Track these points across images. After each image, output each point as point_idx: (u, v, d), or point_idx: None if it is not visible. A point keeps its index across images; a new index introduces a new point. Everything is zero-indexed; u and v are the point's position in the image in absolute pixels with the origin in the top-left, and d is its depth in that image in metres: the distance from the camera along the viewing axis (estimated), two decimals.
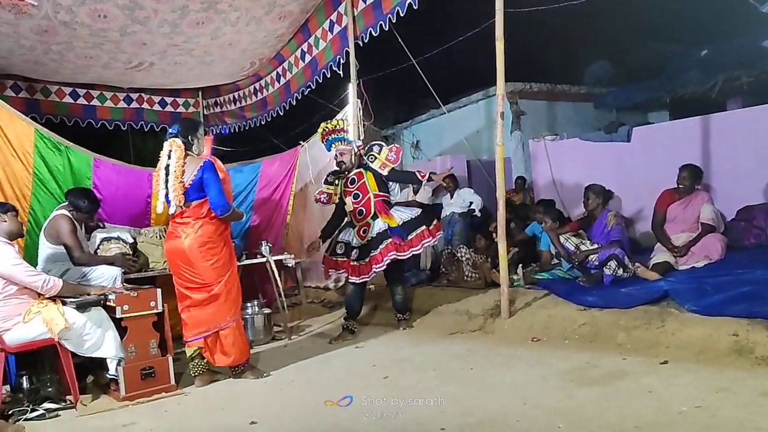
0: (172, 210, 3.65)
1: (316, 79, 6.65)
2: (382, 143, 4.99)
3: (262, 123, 8.25)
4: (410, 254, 4.61)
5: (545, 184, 6.83)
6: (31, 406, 3.36)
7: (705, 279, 3.89)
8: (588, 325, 3.93)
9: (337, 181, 4.90)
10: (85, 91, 7.71)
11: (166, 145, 3.68)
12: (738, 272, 3.87)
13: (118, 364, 3.54)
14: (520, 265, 5.16)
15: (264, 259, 5.30)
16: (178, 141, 3.65)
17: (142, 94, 8.21)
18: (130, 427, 3.10)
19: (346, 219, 4.92)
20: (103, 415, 3.35)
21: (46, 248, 4.00)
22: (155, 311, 3.68)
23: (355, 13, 5.81)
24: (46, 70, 6.71)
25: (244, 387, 3.69)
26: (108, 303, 3.61)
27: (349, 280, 4.74)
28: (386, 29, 5.52)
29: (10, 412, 3.31)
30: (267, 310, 5.15)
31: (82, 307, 3.49)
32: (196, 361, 3.77)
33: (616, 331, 3.72)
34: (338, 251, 4.79)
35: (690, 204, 4.65)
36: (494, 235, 5.23)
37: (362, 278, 4.61)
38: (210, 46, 6.33)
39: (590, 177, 5.30)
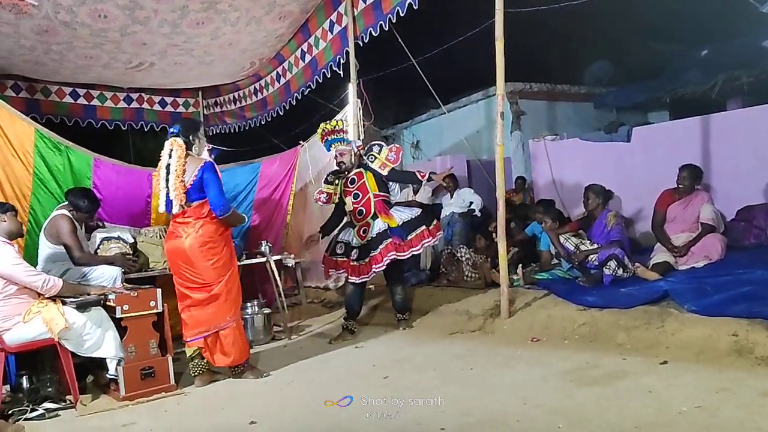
0: (175, 210, 3.64)
1: (316, 79, 6.65)
2: (382, 143, 4.99)
3: (262, 123, 8.25)
4: (410, 254, 4.61)
5: (545, 184, 6.83)
6: (31, 406, 3.36)
7: (705, 279, 3.89)
8: (588, 325, 3.93)
9: (337, 181, 4.91)
10: (86, 91, 7.71)
11: (167, 144, 3.68)
12: (738, 272, 3.87)
13: (118, 364, 3.54)
14: (520, 265, 5.16)
15: (264, 259, 5.30)
16: (180, 141, 3.65)
17: (142, 94, 8.21)
18: (129, 427, 3.10)
19: (345, 219, 4.92)
20: (102, 414, 3.35)
21: (46, 248, 4.00)
22: (155, 311, 3.68)
23: (355, 13, 5.81)
24: (46, 70, 6.71)
25: (243, 387, 3.69)
26: (108, 303, 3.61)
27: (349, 280, 4.74)
28: (386, 29, 5.52)
29: (10, 412, 3.31)
30: (267, 310, 5.15)
31: (82, 307, 3.49)
32: (196, 361, 3.77)
33: (616, 331, 3.73)
34: (338, 251, 4.79)
35: (690, 204, 4.65)
36: (494, 235, 5.23)
37: (362, 278, 4.61)
38: (210, 46, 6.34)
39: (590, 177, 5.30)
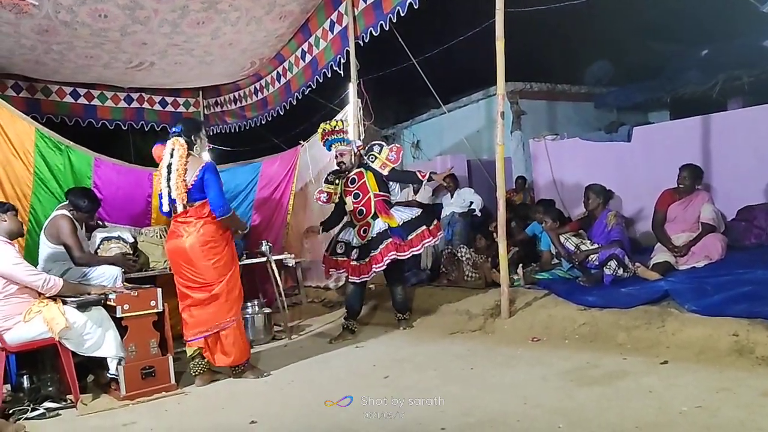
0: (178, 209, 3.64)
1: (316, 78, 6.65)
2: (383, 143, 5.00)
3: (263, 123, 8.25)
4: (410, 254, 4.61)
5: (545, 183, 6.83)
6: (31, 406, 3.36)
7: (705, 279, 3.89)
8: (588, 324, 3.93)
9: (337, 181, 4.91)
10: (86, 90, 7.71)
11: (168, 143, 3.68)
12: (738, 272, 3.87)
13: (119, 364, 3.54)
14: (521, 265, 5.16)
15: (264, 259, 5.30)
16: (181, 140, 3.65)
17: (143, 94, 8.21)
18: (130, 427, 3.10)
19: (345, 218, 4.92)
20: (103, 414, 3.35)
21: (46, 248, 4.01)
22: (155, 311, 3.68)
23: (356, 13, 5.81)
24: (46, 69, 6.71)
25: (244, 386, 3.69)
26: (108, 302, 3.61)
27: (349, 280, 4.74)
28: (387, 29, 5.52)
29: (10, 411, 3.31)
30: (267, 310, 5.15)
31: (82, 307, 3.49)
32: (197, 360, 3.77)
33: (617, 331, 3.73)
34: (338, 251, 4.79)
35: (690, 204, 4.65)
36: (494, 234, 5.23)
37: (362, 278, 4.61)
38: (210, 46, 6.34)
39: (590, 177, 5.30)
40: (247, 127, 8.59)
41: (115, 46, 6.06)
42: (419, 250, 4.67)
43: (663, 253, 4.54)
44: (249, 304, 4.99)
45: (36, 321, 3.35)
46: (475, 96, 9.65)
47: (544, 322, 4.17)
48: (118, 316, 3.55)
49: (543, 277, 5.01)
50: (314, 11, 6.25)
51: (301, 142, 6.11)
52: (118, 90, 7.94)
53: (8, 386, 3.58)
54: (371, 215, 4.65)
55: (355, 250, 4.63)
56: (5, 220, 3.45)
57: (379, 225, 4.58)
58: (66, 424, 3.25)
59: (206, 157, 3.99)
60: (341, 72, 6.23)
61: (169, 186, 3.61)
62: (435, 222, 4.76)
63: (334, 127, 4.82)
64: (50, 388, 3.56)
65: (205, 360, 3.78)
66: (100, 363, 3.66)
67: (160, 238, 4.71)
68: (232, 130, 8.87)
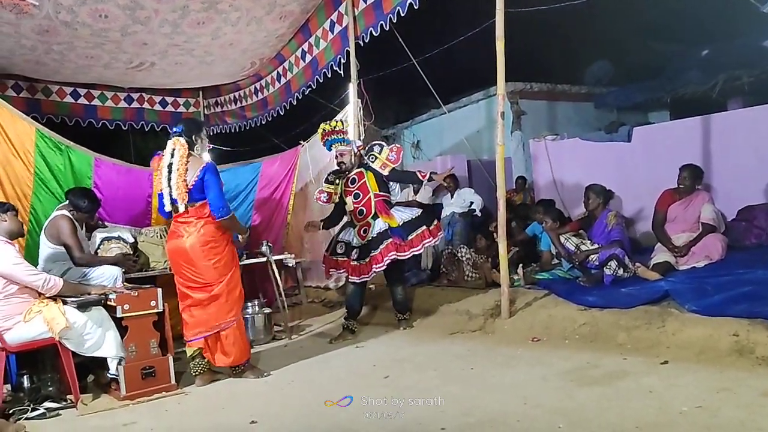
0: (180, 209, 3.64)
1: (316, 78, 6.65)
2: (383, 143, 5.00)
3: (263, 123, 8.25)
4: (410, 254, 4.61)
5: (546, 184, 6.83)
6: (31, 405, 3.36)
7: (705, 279, 3.89)
8: (588, 325, 3.93)
9: (337, 181, 4.91)
10: (86, 90, 7.71)
11: (169, 143, 3.67)
12: (738, 272, 3.86)
13: (119, 364, 3.54)
14: (521, 265, 5.16)
15: (264, 259, 5.30)
16: (182, 140, 3.64)
17: (143, 94, 8.21)
18: (130, 427, 3.10)
19: (346, 218, 4.92)
20: (103, 414, 3.35)
21: (46, 248, 4.01)
22: (156, 311, 3.68)
23: (356, 13, 5.81)
24: (47, 69, 6.71)
25: (244, 386, 3.69)
26: (108, 302, 3.61)
27: (350, 280, 4.74)
28: (387, 29, 5.52)
29: (10, 411, 3.31)
30: (267, 310, 5.15)
31: (82, 307, 3.49)
32: (197, 360, 3.77)
33: (617, 331, 3.72)
34: (338, 251, 4.79)
35: (690, 204, 4.65)
36: (495, 235, 5.23)
37: (362, 278, 4.61)
38: (211, 46, 6.34)
39: (591, 177, 5.30)
40: (248, 127, 8.59)
41: (115, 46, 6.06)
42: (419, 250, 4.67)
43: (663, 253, 4.54)
44: (249, 304, 4.99)
45: (36, 321, 3.35)
46: (476, 96, 9.65)
47: (544, 322, 4.17)
48: (118, 316, 3.55)
49: (543, 277, 5.00)
50: (314, 11, 6.25)
51: (302, 142, 6.12)
52: (118, 90, 7.95)
53: (8, 386, 3.58)
54: (371, 215, 4.65)
55: (355, 250, 4.63)
56: (5, 220, 3.45)
57: (379, 225, 4.58)
58: (66, 424, 3.25)
59: (206, 157, 3.98)
60: (341, 72, 6.23)
61: (169, 186, 3.61)
62: (435, 222, 4.76)
63: (334, 127, 4.82)
64: (50, 388, 3.56)
65: (206, 360, 3.78)
66: (101, 363, 3.67)
67: (161, 238, 4.71)
68: (233, 130, 8.87)
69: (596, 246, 4.55)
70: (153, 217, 5.18)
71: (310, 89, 6.93)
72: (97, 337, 3.50)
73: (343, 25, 6.00)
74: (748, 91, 7.73)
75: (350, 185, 4.76)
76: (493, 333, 4.34)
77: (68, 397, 3.52)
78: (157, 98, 8.38)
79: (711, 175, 5.27)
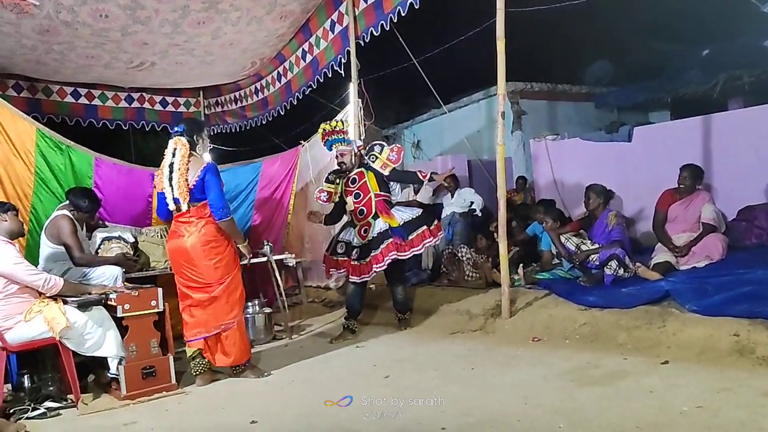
0: (183, 208, 3.64)
1: (317, 78, 6.66)
2: (384, 143, 5.00)
3: (263, 122, 8.25)
4: (411, 254, 4.61)
5: (546, 183, 6.83)
6: (32, 405, 3.36)
7: (706, 279, 3.88)
8: (589, 325, 3.93)
9: (338, 180, 4.90)
10: (87, 90, 7.71)
11: (171, 143, 3.67)
12: (739, 272, 3.86)
13: (119, 363, 3.54)
14: (521, 265, 5.15)
15: (265, 259, 5.30)
16: (184, 140, 3.64)
17: (144, 94, 8.21)
18: (131, 426, 3.10)
19: (346, 218, 4.92)
20: (104, 414, 3.35)
21: (47, 248, 4.01)
22: (156, 310, 3.68)
23: (356, 13, 5.80)
24: (47, 69, 6.71)
25: (244, 386, 3.69)
26: (109, 302, 3.61)
27: (350, 280, 4.74)
28: (387, 29, 5.52)
29: (11, 411, 3.31)
30: (268, 310, 5.15)
31: (83, 307, 3.49)
32: (197, 360, 3.77)
33: (617, 331, 3.72)
34: (339, 251, 4.79)
35: (691, 204, 4.65)
36: (495, 234, 5.23)
37: (363, 278, 4.61)
38: (211, 46, 6.34)
39: (591, 177, 5.30)
40: (248, 127, 8.59)
41: (115, 46, 6.06)
42: (420, 250, 4.66)
43: (664, 253, 4.54)
44: (249, 303, 4.99)
45: (37, 321, 3.35)
46: (476, 96, 9.65)
47: (544, 322, 4.17)
48: (118, 315, 3.55)
49: (543, 277, 5.00)
50: (315, 11, 6.25)
51: (302, 142, 6.12)
52: (118, 90, 7.95)
53: (9, 386, 3.58)
54: (372, 215, 4.65)
55: (355, 249, 4.63)
56: (6, 220, 3.45)
57: (379, 225, 4.58)
58: (67, 424, 3.25)
59: (207, 157, 3.98)
60: (342, 72, 6.23)
61: (171, 186, 3.61)
62: (435, 222, 4.76)
63: (335, 127, 4.82)
64: (51, 388, 3.56)
65: (206, 360, 3.78)
66: (101, 363, 3.67)
67: (161, 237, 4.71)
68: (233, 130, 8.88)
69: (597, 246, 4.55)
70: (153, 217, 5.18)
71: (310, 89, 6.94)
72: (97, 336, 3.50)
73: (344, 25, 6.00)
74: (749, 91, 7.74)
75: (351, 185, 4.75)
76: (494, 333, 4.34)
77: (69, 396, 3.52)
78: (158, 98, 8.38)
79: (711, 175, 5.27)
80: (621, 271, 4.37)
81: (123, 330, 3.60)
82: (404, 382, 3.42)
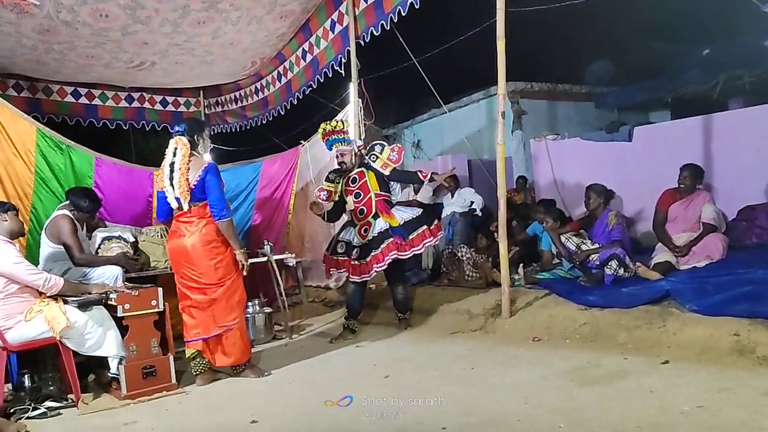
0: (185, 207, 3.63)
1: (317, 78, 6.65)
2: (384, 143, 5.00)
3: (264, 122, 8.25)
4: (411, 254, 4.60)
5: (546, 183, 6.83)
6: (32, 405, 3.36)
7: (706, 279, 3.88)
8: (589, 324, 3.93)
9: (338, 179, 4.90)
10: (87, 90, 7.71)
11: (171, 142, 3.67)
12: (739, 272, 3.86)
13: (120, 363, 3.54)
14: (521, 265, 5.15)
15: (265, 259, 5.30)
16: (184, 139, 3.64)
17: (144, 94, 8.21)
18: (131, 426, 3.11)
19: (346, 218, 4.92)
20: (104, 413, 3.35)
21: (47, 247, 4.01)
22: (156, 310, 3.68)
23: (357, 13, 5.80)
24: (47, 69, 6.71)
25: (245, 386, 3.70)
26: (109, 302, 3.61)
27: (350, 280, 4.74)
28: (387, 28, 5.52)
29: (12, 411, 3.31)
30: (268, 310, 5.15)
31: (83, 306, 3.49)
32: (197, 360, 3.77)
33: (618, 330, 3.72)
34: (339, 250, 4.79)
35: (691, 204, 4.65)
36: (495, 234, 5.22)
37: (363, 277, 4.61)
38: (211, 46, 6.34)
39: (591, 176, 5.30)
40: (248, 127, 8.59)
41: (116, 45, 6.06)
42: (420, 249, 4.66)
43: (664, 253, 4.53)
44: (250, 303, 4.98)
45: (37, 320, 3.35)
46: (476, 96, 9.65)
47: (544, 322, 4.17)
48: (118, 315, 3.55)
49: (544, 276, 5.00)
50: (315, 11, 6.25)
51: (302, 141, 6.12)
52: (119, 90, 7.95)
53: (9, 385, 3.58)
54: (372, 215, 4.65)
55: (355, 249, 4.63)
56: (6, 220, 3.46)
57: (380, 224, 4.58)
58: (67, 424, 3.25)
59: (208, 157, 3.98)
60: (342, 72, 6.23)
61: (172, 185, 3.61)
62: (436, 222, 4.76)
63: (335, 127, 4.81)
64: (51, 388, 3.56)
65: (206, 359, 3.78)
66: (101, 362, 3.67)
67: (161, 237, 4.72)
68: (233, 130, 8.87)
69: (597, 246, 4.55)
70: (153, 217, 5.18)
71: (310, 89, 6.93)
72: (97, 336, 3.50)
73: (344, 25, 6.00)
74: (749, 91, 7.73)
75: (351, 185, 4.75)
76: (494, 332, 4.34)
77: (69, 396, 3.52)
78: (158, 98, 8.38)
79: (712, 175, 5.27)
80: (621, 271, 4.37)
81: (123, 330, 3.60)
82: (404, 382, 3.42)
